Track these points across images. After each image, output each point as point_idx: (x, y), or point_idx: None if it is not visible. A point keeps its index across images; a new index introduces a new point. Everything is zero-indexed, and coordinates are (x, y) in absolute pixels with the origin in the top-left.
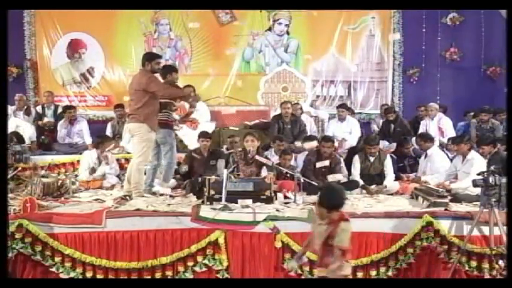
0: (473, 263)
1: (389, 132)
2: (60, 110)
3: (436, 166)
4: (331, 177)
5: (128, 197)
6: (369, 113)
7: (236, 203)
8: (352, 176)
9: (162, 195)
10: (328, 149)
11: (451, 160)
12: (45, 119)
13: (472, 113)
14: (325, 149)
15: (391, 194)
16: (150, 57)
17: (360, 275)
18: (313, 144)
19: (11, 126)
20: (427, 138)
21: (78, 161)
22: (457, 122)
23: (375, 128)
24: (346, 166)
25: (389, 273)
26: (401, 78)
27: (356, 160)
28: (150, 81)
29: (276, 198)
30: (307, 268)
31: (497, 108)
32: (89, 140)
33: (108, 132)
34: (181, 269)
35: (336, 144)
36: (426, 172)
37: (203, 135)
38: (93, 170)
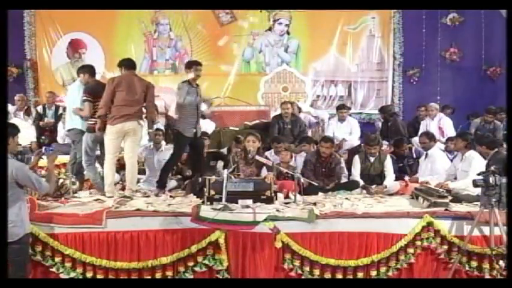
0: (474, 263)
1: (387, 132)
2: (61, 110)
3: (436, 167)
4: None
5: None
6: (369, 113)
7: (236, 203)
8: (352, 176)
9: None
10: (326, 149)
11: (451, 161)
12: (46, 119)
13: (471, 117)
14: (323, 149)
15: (391, 194)
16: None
17: (360, 275)
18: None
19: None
20: (431, 136)
21: None
22: (458, 122)
23: (379, 126)
24: (346, 166)
25: (390, 274)
26: (401, 78)
27: (356, 160)
28: None
29: (276, 199)
30: (307, 268)
31: (497, 108)
32: None
33: None
34: (181, 269)
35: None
36: (427, 173)
37: (202, 134)
38: None
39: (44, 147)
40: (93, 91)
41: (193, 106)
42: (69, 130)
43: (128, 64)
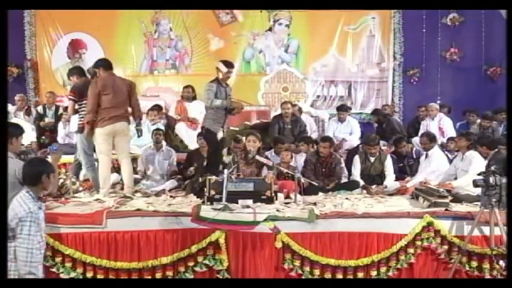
0: (474, 263)
1: (383, 134)
2: (61, 110)
3: (436, 166)
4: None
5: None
6: (369, 113)
7: (236, 203)
8: (353, 176)
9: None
10: (324, 149)
11: (451, 161)
12: (46, 120)
13: (472, 114)
14: (322, 148)
15: (392, 194)
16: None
17: (360, 275)
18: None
19: None
20: (431, 137)
21: None
22: (456, 121)
23: (375, 129)
24: (346, 166)
25: (390, 274)
26: (401, 79)
27: (356, 160)
28: None
29: (277, 198)
30: (307, 268)
31: (497, 108)
32: None
33: None
34: (181, 269)
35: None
36: (427, 173)
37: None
38: None
39: (48, 147)
40: (79, 90)
41: (221, 107)
42: (75, 132)
43: (105, 65)
